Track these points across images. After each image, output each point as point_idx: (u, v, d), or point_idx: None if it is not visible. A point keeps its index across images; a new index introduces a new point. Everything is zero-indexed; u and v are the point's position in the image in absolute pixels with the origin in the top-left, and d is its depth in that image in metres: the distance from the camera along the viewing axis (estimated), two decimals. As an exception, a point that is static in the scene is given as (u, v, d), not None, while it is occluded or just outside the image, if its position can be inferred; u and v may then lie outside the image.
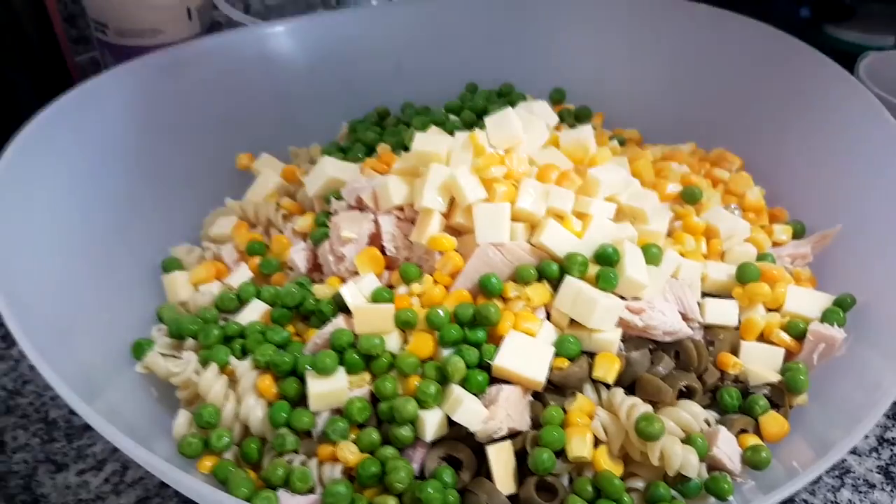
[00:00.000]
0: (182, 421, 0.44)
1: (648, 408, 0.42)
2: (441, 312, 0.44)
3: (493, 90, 0.69)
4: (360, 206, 0.52)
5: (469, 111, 0.59)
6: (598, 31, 0.68)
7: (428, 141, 0.49)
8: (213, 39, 0.62)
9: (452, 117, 0.60)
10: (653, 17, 0.66)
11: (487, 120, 0.49)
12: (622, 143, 0.63)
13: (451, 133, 0.56)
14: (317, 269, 0.52)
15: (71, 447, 0.53)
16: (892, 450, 0.54)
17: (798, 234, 0.56)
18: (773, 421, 0.44)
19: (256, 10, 0.88)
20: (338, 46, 0.68)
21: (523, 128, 0.49)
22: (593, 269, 0.46)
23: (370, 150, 0.61)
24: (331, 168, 0.55)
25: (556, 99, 0.69)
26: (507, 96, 0.68)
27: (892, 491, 0.52)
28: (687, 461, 0.41)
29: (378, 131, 0.64)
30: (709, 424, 0.45)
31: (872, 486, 0.52)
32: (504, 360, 0.43)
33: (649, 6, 0.66)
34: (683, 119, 0.66)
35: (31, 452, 0.53)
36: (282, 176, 0.61)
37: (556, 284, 0.46)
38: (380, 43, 0.69)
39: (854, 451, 0.54)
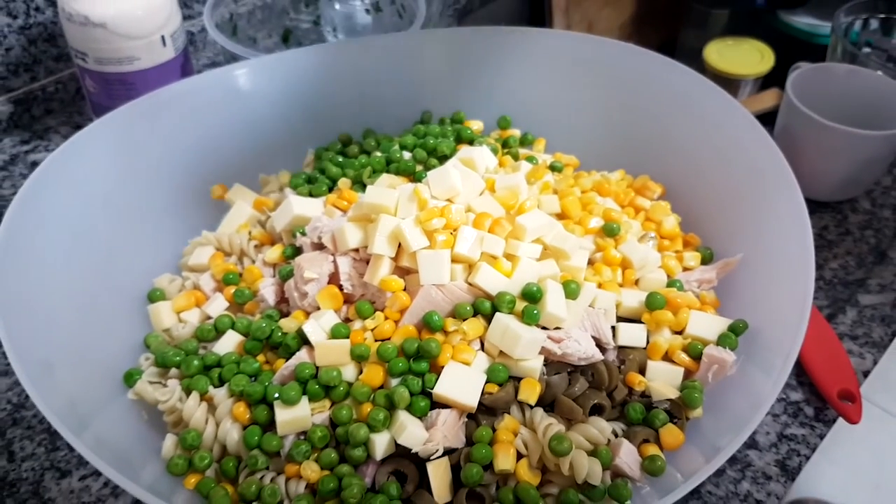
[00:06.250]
0: (169, 444, 0.52)
1: (561, 427, 0.50)
2: (390, 347, 0.52)
3: (447, 117, 0.76)
4: (322, 245, 0.59)
5: (420, 149, 0.66)
6: (540, 66, 0.74)
7: (378, 194, 0.56)
8: (184, 84, 0.68)
9: (406, 154, 0.67)
10: (588, 55, 0.72)
11: (430, 175, 0.56)
12: (559, 169, 0.70)
13: (404, 171, 0.63)
14: (284, 300, 0.60)
15: (73, 455, 0.60)
16: (789, 445, 0.61)
17: (706, 260, 0.63)
18: (670, 433, 0.52)
19: (242, 29, 0.93)
20: (302, 80, 0.73)
21: (461, 180, 0.56)
22: (520, 305, 0.53)
23: (334, 184, 0.68)
24: (296, 206, 0.62)
25: (502, 125, 0.75)
26: (458, 123, 0.74)
27: (785, 482, 0.59)
28: (592, 471, 0.48)
29: (340, 161, 0.71)
30: (616, 435, 0.53)
31: (769, 477, 0.59)
32: (443, 388, 0.50)
33: (584, 46, 0.72)
34: (615, 146, 0.72)
35: (37, 461, 0.59)
36: (253, 207, 0.68)
37: (489, 319, 0.54)
38: (342, 76, 0.74)
39: (755, 447, 0.61)
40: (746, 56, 0.92)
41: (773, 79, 0.91)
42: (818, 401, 0.64)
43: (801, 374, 0.66)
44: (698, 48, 0.94)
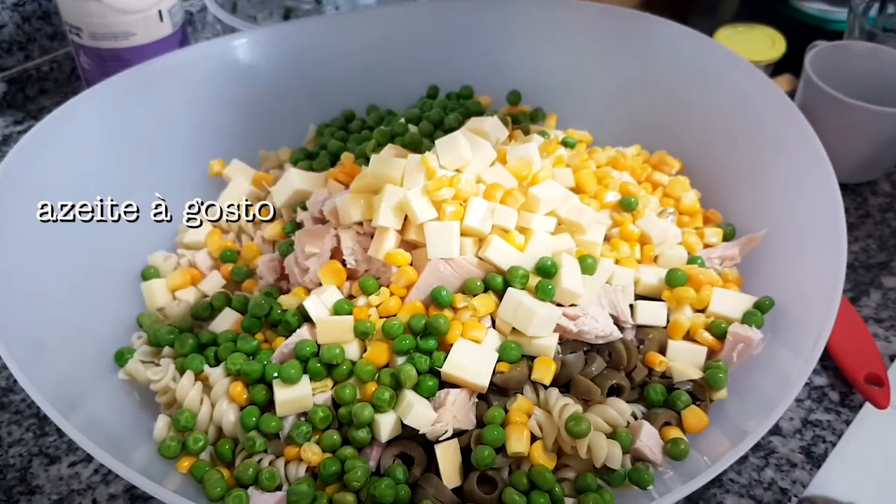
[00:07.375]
0: (161, 425, 0.49)
1: (578, 408, 0.47)
2: (396, 324, 0.49)
3: (454, 91, 0.73)
4: (323, 219, 0.56)
5: (426, 122, 0.63)
6: (551, 37, 0.71)
7: (383, 163, 0.53)
8: (180, 54, 0.65)
9: (412, 127, 0.64)
10: (600, 25, 0.70)
11: (438, 143, 0.53)
12: (571, 145, 0.67)
13: (410, 144, 0.60)
14: (284, 277, 0.57)
15: (62, 441, 0.57)
16: (814, 431, 0.59)
17: (728, 236, 0.60)
18: (693, 415, 0.49)
19: (243, 8, 0.90)
20: (303, 53, 0.71)
21: (471, 149, 0.53)
22: (534, 280, 0.50)
23: (336, 158, 0.65)
24: (296, 180, 0.59)
25: (512, 101, 0.72)
26: (467, 98, 0.71)
27: (811, 469, 0.56)
28: (612, 454, 0.45)
29: (343, 136, 0.68)
30: (635, 418, 0.50)
31: (794, 465, 0.56)
32: (452, 366, 0.47)
33: (596, 15, 0.70)
34: (630, 120, 0.70)
35: (25, 446, 0.57)
36: (251, 183, 0.65)
37: (500, 295, 0.50)
38: (344, 49, 0.72)
39: (779, 433, 0.58)
40: (757, 42, 0.89)
41: (785, 65, 0.88)
42: (843, 385, 0.62)
43: (826, 357, 0.63)
44: (708, 34, 0.92)
